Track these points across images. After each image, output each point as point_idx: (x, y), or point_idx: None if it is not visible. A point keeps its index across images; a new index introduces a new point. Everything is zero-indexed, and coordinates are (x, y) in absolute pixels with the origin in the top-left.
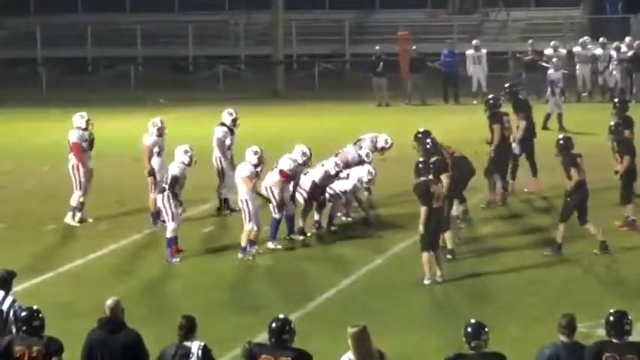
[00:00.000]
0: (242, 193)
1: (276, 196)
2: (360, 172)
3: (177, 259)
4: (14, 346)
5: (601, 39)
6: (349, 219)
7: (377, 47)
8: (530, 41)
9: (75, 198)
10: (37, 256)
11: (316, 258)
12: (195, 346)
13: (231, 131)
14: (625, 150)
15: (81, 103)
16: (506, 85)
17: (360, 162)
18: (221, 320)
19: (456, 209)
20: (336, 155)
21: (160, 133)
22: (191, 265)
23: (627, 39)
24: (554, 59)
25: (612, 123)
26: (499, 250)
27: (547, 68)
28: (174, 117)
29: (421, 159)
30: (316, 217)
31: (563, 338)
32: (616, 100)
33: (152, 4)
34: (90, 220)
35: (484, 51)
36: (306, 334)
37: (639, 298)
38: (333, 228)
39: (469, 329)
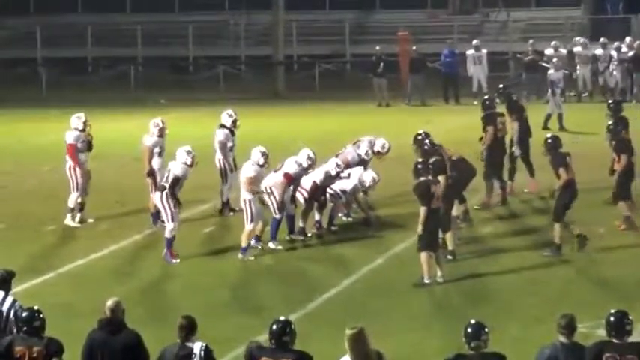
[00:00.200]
0: (245, 193)
1: (277, 197)
2: (364, 176)
3: (177, 260)
4: (15, 346)
5: (601, 39)
6: (350, 219)
7: (377, 47)
8: (531, 41)
9: (72, 199)
10: (38, 256)
11: (317, 258)
12: (197, 347)
13: (231, 132)
14: (623, 149)
15: (81, 103)
16: (501, 85)
17: (361, 162)
18: (221, 321)
19: (456, 210)
20: (337, 156)
21: (161, 133)
22: (191, 265)
23: (628, 39)
24: (555, 59)
25: (610, 122)
26: (499, 250)
27: (547, 68)
28: (174, 117)
29: (420, 160)
30: (317, 217)
31: (562, 339)
32: (610, 100)
33: (152, 5)
34: (90, 221)
35: (484, 51)
36: (306, 334)
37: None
38: (333, 228)
39: (469, 329)
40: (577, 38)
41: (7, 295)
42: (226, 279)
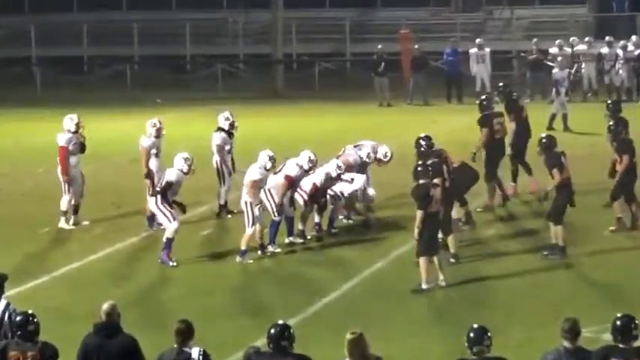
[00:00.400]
0: (246, 196)
1: (276, 199)
2: (369, 190)
3: (175, 263)
4: (9, 351)
5: (607, 37)
6: (350, 221)
7: (379, 46)
8: (535, 40)
9: (64, 202)
10: (32, 259)
11: (316, 261)
12: (195, 352)
13: (229, 135)
14: (625, 149)
15: (76, 103)
16: (501, 84)
17: (362, 164)
18: (219, 325)
19: (456, 212)
20: (338, 157)
21: (158, 134)
22: (189, 268)
23: (634, 38)
24: (560, 58)
25: (611, 123)
26: (502, 253)
27: (552, 67)
28: (171, 117)
29: (420, 162)
30: (317, 219)
31: (566, 343)
32: (609, 101)
33: (149, 2)
34: (85, 223)
35: (488, 50)
36: (305, 339)
37: None
38: (333, 230)
39: (471, 334)
40: (573, 38)
41: (0, 298)
42: (224, 282)
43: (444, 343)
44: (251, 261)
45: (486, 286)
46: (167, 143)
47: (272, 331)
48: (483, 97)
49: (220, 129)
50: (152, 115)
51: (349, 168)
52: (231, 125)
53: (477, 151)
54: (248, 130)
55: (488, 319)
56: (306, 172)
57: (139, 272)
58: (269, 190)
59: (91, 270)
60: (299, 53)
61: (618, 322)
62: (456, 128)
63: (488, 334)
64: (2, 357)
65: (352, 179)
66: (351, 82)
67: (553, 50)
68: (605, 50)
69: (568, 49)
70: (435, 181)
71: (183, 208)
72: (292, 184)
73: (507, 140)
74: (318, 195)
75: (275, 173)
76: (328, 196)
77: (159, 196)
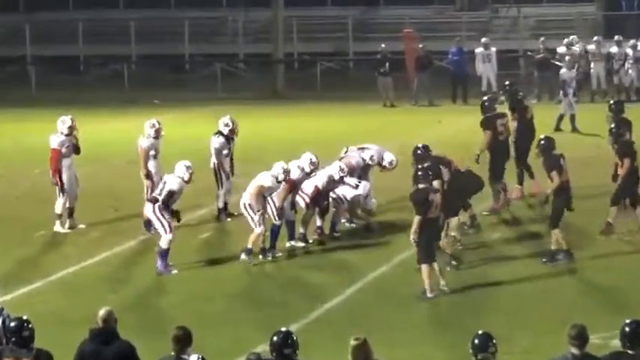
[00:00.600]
0: (248, 199)
1: (277, 203)
2: (369, 200)
3: (176, 270)
4: (3, 357)
5: (616, 36)
6: (353, 225)
7: (383, 45)
8: (542, 39)
9: (59, 205)
10: (27, 263)
11: (318, 265)
12: None
13: (228, 140)
14: (626, 152)
15: (72, 103)
16: (507, 82)
17: (365, 167)
18: (219, 331)
19: (461, 216)
20: (340, 159)
21: (157, 134)
22: (187, 273)
23: None
24: (567, 58)
25: (612, 125)
26: (507, 257)
27: (560, 67)
28: (169, 118)
29: (420, 166)
30: (318, 222)
31: (573, 350)
32: (611, 102)
33: (146, 0)
34: (81, 226)
35: (494, 49)
36: (307, 345)
37: None
38: (336, 234)
39: (476, 341)
40: (572, 37)
41: None
42: (224, 287)
43: (449, 349)
44: (257, 263)
45: (491, 291)
46: (165, 144)
47: (275, 338)
48: (485, 98)
49: (219, 133)
50: (150, 116)
51: (351, 170)
52: (231, 131)
53: (480, 153)
54: (248, 131)
55: (494, 325)
56: (307, 175)
57: (136, 277)
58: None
59: (88, 274)
60: (300, 52)
61: (627, 328)
62: (461, 129)
63: (494, 340)
64: None
65: (357, 185)
66: (354, 82)
67: (561, 49)
68: (614, 49)
69: (576, 48)
70: (435, 185)
71: (178, 216)
72: (293, 187)
73: (510, 142)
74: (320, 198)
75: None
76: (330, 199)
77: (158, 205)
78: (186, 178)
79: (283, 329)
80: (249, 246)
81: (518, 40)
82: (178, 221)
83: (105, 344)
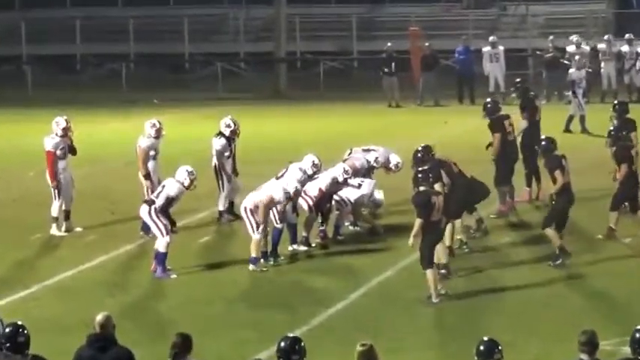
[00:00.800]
0: (250, 204)
1: (278, 206)
2: (377, 194)
3: (175, 275)
4: None
5: (627, 35)
6: (357, 228)
7: (389, 44)
8: (551, 37)
9: (55, 208)
10: (23, 267)
11: (321, 270)
12: None
13: (229, 141)
14: (623, 157)
15: (69, 103)
16: (518, 80)
17: (369, 168)
18: (218, 337)
19: (466, 220)
20: (344, 161)
21: (158, 134)
22: (187, 277)
23: None
24: (577, 57)
25: (611, 127)
26: (515, 261)
27: (569, 66)
28: (168, 118)
29: (420, 168)
30: (321, 226)
31: (583, 356)
32: (615, 101)
33: None
34: (78, 229)
35: (502, 48)
36: (311, 351)
37: None
38: (339, 237)
39: (481, 347)
40: (572, 37)
41: None
42: (224, 292)
43: (454, 355)
44: (265, 269)
45: (498, 296)
46: (164, 145)
47: (282, 344)
48: (488, 100)
49: (221, 134)
50: (149, 117)
51: (355, 172)
52: (233, 132)
53: (495, 157)
54: (249, 132)
55: (500, 330)
56: (309, 177)
57: (134, 281)
58: None
59: (85, 279)
60: (303, 51)
61: (638, 335)
62: (468, 130)
63: (499, 347)
64: None
65: (360, 184)
66: (358, 81)
67: (570, 48)
68: (625, 48)
69: (586, 48)
70: (437, 188)
71: (173, 223)
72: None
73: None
74: (323, 201)
75: (277, 178)
76: (333, 202)
77: (154, 207)
78: (186, 184)
79: (291, 335)
80: (253, 255)
81: (526, 38)
82: (174, 232)
83: (102, 351)
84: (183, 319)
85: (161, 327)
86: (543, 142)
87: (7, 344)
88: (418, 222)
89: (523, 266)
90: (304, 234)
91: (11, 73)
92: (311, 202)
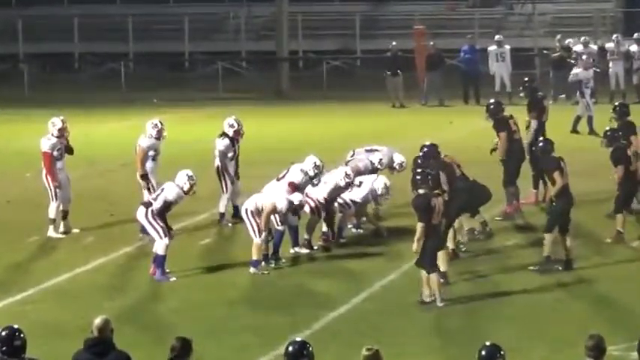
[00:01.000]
0: (252, 206)
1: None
2: (376, 184)
3: (175, 278)
4: None
5: (636, 34)
6: (360, 231)
7: (394, 43)
8: (558, 37)
9: (52, 209)
10: (19, 269)
11: (324, 273)
12: None
13: (233, 142)
14: (618, 159)
15: (67, 103)
16: (526, 79)
17: (373, 170)
18: (219, 340)
19: (468, 223)
20: (347, 164)
21: (159, 135)
22: (186, 280)
23: None
24: (585, 57)
25: (607, 128)
26: (520, 265)
27: (575, 66)
28: (168, 118)
29: (419, 170)
30: (324, 228)
31: None
32: (617, 103)
33: None
34: (76, 231)
35: (508, 47)
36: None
37: None
38: (342, 240)
39: (483, 352)
40: (583, 37)
41: None
42: (224, 295)
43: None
44: (267, 272)
45: (503, 301)
46: (164, 145)
47: (290, 348)
48: (491, 101)
49: (224, 135)
50: (148, 117)
51: (359, 174)
52: (236, 132)
53: (503, 157)
54: (250, 132)
55: (505, 335)
56: (310, 179)
57: (133, 284)
58: None
59: (82, 281)
60: (305, 50)
61: None
62: (473, 130)
63: (502, 352)
64: None
65: (360, 183)
66: (362, 81)
67: (578, 48)
68: (633, 48)
69: (594, 47)
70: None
71: (169, 229)
72: (296, 191)
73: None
74: (326, 205)
75: (278, 180)
76: (336, 204)
77: (150, 209)
78: (185, 189)
79: (298, 339)
80: (255, 257)
81: (533, 37)
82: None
83: (100, 355)
84: (183, 323)
85: (160, 331)
86: (541, 144)
87: (4, 348)
88: (420, 226)
89: (528, 270)
90: (306, 236)
91: (8, 72)
92: (313, 205)
